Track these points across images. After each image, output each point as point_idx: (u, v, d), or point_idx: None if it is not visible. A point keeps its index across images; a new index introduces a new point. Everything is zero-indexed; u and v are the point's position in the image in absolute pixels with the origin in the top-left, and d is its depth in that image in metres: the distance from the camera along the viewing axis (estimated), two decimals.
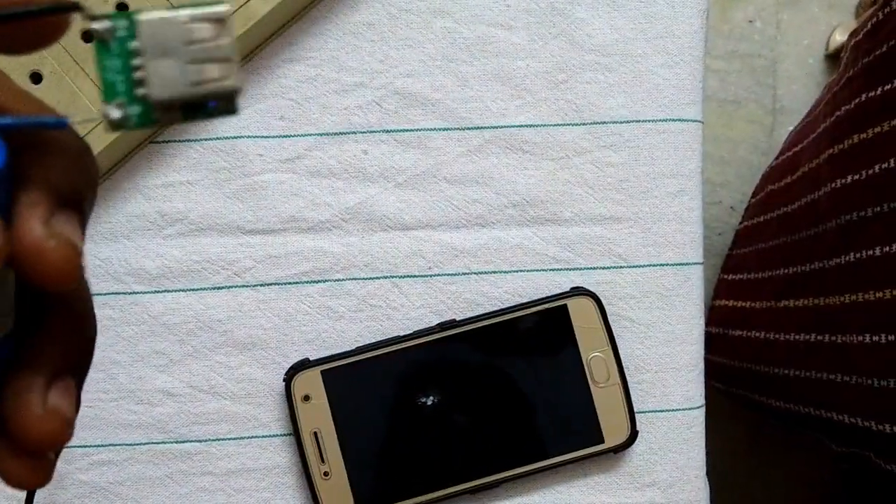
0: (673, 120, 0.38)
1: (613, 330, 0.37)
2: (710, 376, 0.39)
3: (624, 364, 0.37)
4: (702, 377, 0.38)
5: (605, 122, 0.37)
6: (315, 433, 0.35)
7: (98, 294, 0.36)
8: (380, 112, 0.37)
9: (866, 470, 0.51)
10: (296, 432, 0.35)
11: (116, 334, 0.36)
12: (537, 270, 0.37)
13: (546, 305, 0.36)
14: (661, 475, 0.37)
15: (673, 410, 0.37)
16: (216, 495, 0.36)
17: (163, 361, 0.36)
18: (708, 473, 0.38)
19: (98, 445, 0.36)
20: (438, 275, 0.37)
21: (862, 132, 0.48)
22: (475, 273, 0.37)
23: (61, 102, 0.33)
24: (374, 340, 0.36)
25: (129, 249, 0.36)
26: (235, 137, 0.37)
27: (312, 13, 0.37)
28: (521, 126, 0.37)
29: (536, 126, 0.37)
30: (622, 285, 0.37)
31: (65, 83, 0.33)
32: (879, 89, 0.46)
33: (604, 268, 0.37)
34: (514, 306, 0.37)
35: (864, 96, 0.48)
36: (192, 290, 0.37)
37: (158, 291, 0.36)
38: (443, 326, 0.36)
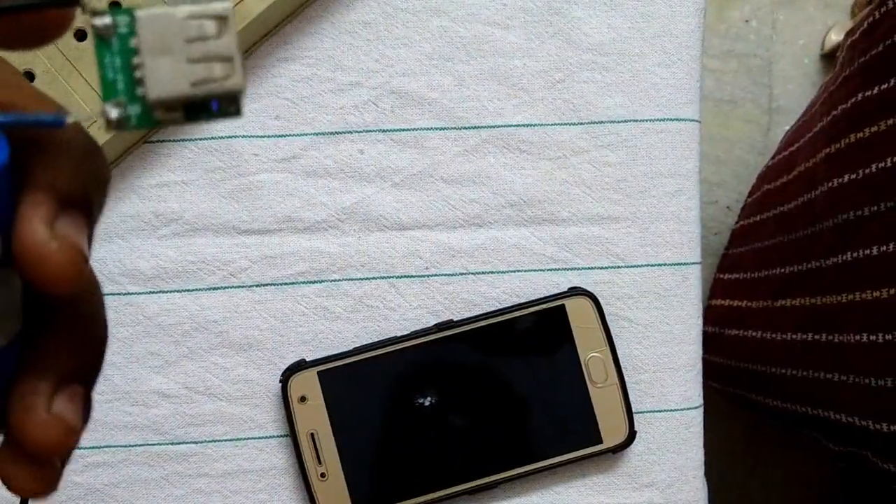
0: (670, 119, 0.37)
1: (611, 330, 0.36)
2: (706, 376, 0.39)
3: (622, 364, 0.36)
4: (700, 377, 0.38)
5: (602, 122, 0.37)
6: (312, 434, 0.35)
7: None
8: (376, 111, 0.37)
9: (863, 469, 0.51)
10: (292, 433, 0.35)
11: (111, 335, 0.36)
12: (535, 270, 0.37)
13: (544, 305, 0.36)
14: (659, 475, 0.37)
15: (671, 410, 0.37)
16: (212, 497, 0.36)
17: (158, 363, 0.36)
18: (706, 473, 0.38)
19: (93, 447, 0.36)
20: (435, 275, 0.37)
21: (858, 131, 0.48)
22: (472, 273, 0.37)
23: None
24: (371, 341, 0.36)
25: (124, 250, 0.36)
26: (230, 137, 0.36)
27: (308, 12, 0.37)
28: (518, 125, 0.37)
29: (533, 125, 0.37)
30: (620, 285, 0.37)
31: (57, 82, 0.33)
32: (876, 88, 0.46)
33: (601, 268, 0.37)
34: (512, 306, 0.36)
35: (860, 95, 0.48)
36: (188, 290, 0.36)
37: (153, 292, 0.36)
38: (440, 327, 0.36)
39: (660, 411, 0.37)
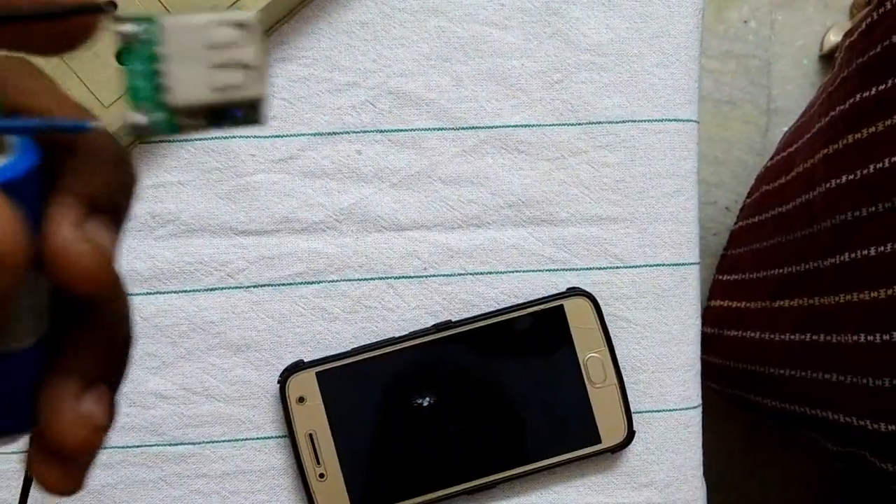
0: (669, 120, 0.37)
1: (610, 330, 0.36)
2: (705, 376, 0.39)
3: (620, 364, 0.36)
4: (698, 377, 0.38)
5: (600, 122, 0.37)
6: (310, 435, 0.35)
7: None
8: (373, 112, 0.37)
9: (861, 469, 0.51)
10: (291, 434, 0.35)
11: None
12: (533, 271, 0.37)
13: (542, 306, 0.36)
14: (658, 475, 0.37)
15: (670, 410, 0.37)
16: (211, 498, 0.36)
17: (155, 363, 0.36)
18: (704, 473, 0.38)
19: None
20: (434, 275, 0.37)
21: (856, 132, 0.48)
22: (471, 274, 0.37)
23: None
24: (369, 342, 0.36)
25: (120, 251, 0.36)
26: (227, 138, 0.36)
27: (305, 12, 0.37)
28: (516, 126, 0.37)
29: (532, 126, 0.37)
30: (618, 286, 0.37)
31: None
32: (874, 89, 0.46)
33: (600, 268, 0.37)
34: (511, 307, 0.36)
35: (858, 96, 0.48)
36: (185, 291, 0.36)
37: (150, 293, 0.36)
38: (438, 327, 0.36)
39: (658, 411, 0.37)
